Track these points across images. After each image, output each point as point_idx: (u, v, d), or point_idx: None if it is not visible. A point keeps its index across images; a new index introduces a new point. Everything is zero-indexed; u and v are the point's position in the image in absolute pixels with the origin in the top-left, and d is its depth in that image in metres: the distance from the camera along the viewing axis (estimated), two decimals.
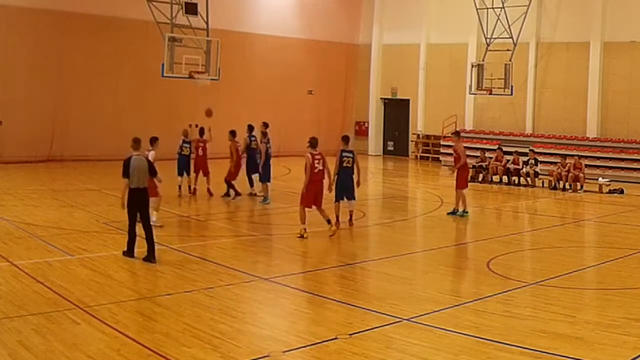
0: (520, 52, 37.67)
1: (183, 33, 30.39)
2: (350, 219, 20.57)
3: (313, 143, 18.84)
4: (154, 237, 15.91)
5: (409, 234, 21.22)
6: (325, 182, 19.18)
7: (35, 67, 34.05)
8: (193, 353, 10.05)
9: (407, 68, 45.35)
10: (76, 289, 13.18)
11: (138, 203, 15.59)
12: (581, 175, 30.79)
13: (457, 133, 24.56)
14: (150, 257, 15.57)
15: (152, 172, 16.07)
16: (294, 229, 18.92)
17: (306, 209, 18.56)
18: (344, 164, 20.04)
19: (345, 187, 20.22)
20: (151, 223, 16.43)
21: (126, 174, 15.47)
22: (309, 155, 18.71)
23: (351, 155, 20.15)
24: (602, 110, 37.33)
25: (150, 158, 17.18)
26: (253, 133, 26.22)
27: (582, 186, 30.70)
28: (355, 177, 20.42)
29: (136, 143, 16.12)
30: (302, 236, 18.43)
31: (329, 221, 18.91)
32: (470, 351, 10.38)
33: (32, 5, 33.36)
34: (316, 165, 18.38)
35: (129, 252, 15.88)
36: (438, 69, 44.04)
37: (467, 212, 23.05)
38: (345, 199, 20.30)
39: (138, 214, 15.74)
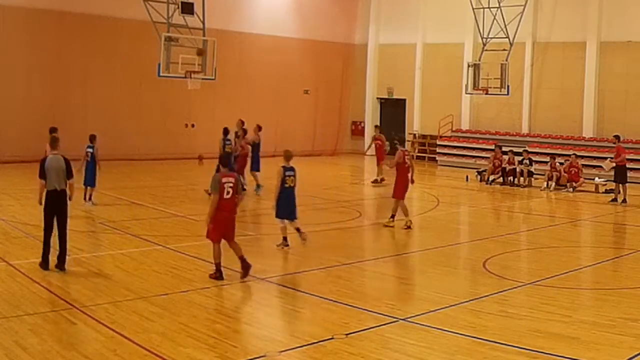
0: (517, 51, 37.68)
1: (179, 33, 30.39)
2: (300, 232, 17.93)
3: (223, 163, 15.50)
4: (67, 246, 14.82)
5: (405, 234, 21.20)
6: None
7: (32, 66, 34.02)
8: (189, 353, 10.05)
9: (403, 68, 45.34)
10: (72, 289, 13.19)
11: (55, 206, 14.47)
12: (576, 173, 30.85)
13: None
14: (60, 265, 14.51)
15: (69, 173, 14.76)
16: (289, 228, 18.88)
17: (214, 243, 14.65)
18: (287, 184, 17.50)
19: (290, 209, 17.77)
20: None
21: (42, 174, 14.45)
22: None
23: (293, 173, 17.66)
24: (598, 110, 37.37)
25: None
26: (228, 137, 26.25)
27: (574, 187, 30.67)
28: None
29: (54, 141, 15.00)
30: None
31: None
32: (467, 351, 10.39)
33: (29, 5, 33.32)
34: (227, 190, 14.26)
35: (44, 264, 14.58)
36: (434, 68, 44.04)
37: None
38: (288, 220, 17.82)
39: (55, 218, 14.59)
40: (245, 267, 14.35)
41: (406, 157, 20.94)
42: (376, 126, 35.87)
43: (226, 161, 15.49)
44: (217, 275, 14.22)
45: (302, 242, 17.57)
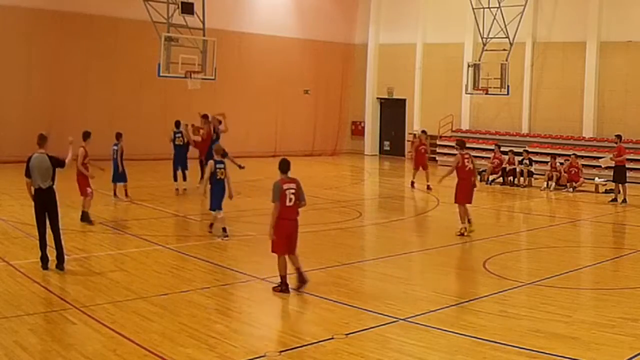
0: (517, 51, 37.66)
1: (179, 33, 30.38)
2: (211, 227, 19.28)
3: (283, 169, 13.92)
4: (63, 243, 14.91)
5: (405, 234, 21.22)
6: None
7: (31, 66, 34.03)
8: (189, 353, 10.05)
9: (403, 68, 45.33)
10: (73, 289, 13.20)
11: (43, 204, 14.50)
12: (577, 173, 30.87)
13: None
14: (59, 265, 14.60)
15: (59, 164, 14.68)
16: None
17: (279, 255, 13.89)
18: (218, 177, 18.27)
19: (220, 200, 18.56)
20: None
21: (27, 173, 14.49)
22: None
23: (223, 166, 18.45)
24: (598, 110, 37.37)
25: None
26: (180, 129, 26.83)
27: (574, 187, 30.67)
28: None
29: (41, 139, 14.80)
30: None
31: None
32: (467, 351, 10.39)
33: (29, 4, 33.31)
34: (289, 197, 13.57)
35: (42, 262, 14.64)
36: (434, 68, 44.03)
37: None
38: (217, 209, 18.64)
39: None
40: (302, 281, 13.57)
41: (466, 160, 20.07)
42: (423, 131, 33.04)
43: (285, 166, 13.78)
44: (283, 288, 13.42)
45: (222, 239, 18.52)
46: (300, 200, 13.62)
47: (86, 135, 20.49)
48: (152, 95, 37.06)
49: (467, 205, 20.22)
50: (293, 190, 13.43)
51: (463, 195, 20.21)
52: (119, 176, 23.90)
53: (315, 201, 25.48)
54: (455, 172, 20.27)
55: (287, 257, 13.57)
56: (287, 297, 13.41)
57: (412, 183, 30.41)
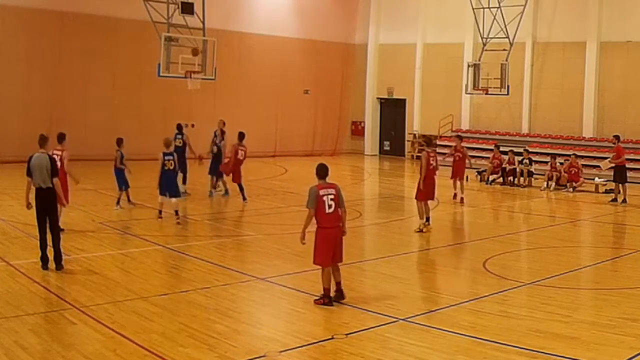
0: (517, 51, 37.66)
1: (179, 33, 30.38)
2: (177, 215, 20.99)
3: (320, 174, 13.10)
4: (61, 243, 14.99)
5: (405, 234, 21.21)
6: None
7: (31, 66, 34.03)
8: (189, 353, 10.06)
9: (403, 68, 45.30)
10: (72, 289, 13.19)
11: (42, 203, 14.55)
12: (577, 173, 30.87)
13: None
14: (57, 265, 14.62)
15: (54, 172, 14.70)
16: (290, 228, 18.91)
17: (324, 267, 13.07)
18: (166, 167, 20.68)
19: (169, 186, 20.86)
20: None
21: (29, 172, 14.63)
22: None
23: (172, 158, 20.86)
24: (598, 110, 37.36)
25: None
26: (182, 131, 26.80)
27: (574, 187, 30.68)
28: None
29: (42, 140, 14.95)
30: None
31: None
32: (467, 351, 10.40)
33: (29, 4, 33.32)
34: (328, 203, 12.82)
35: (42, 262, 14.69)
36: (434, 68, 44.01)
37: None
38: (168, 195, 20.87)
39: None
40: (341, 297, 12.84)
41: (431, 158, 20.79)
42: (458, 136, 30.41)
43: (323, 171, 13.02)
44: (326, 301, 12.69)
45: (175, 224, 20.52)
46: (340, 207, 12.89)
47: (61, 138, 18.66)
48: (152, 95, 37.03)
49: (429, 201, 20.99)
50: (332, 196, 12.70)
51: (426, 192, 20.66)
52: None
53: None
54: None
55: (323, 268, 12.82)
56: (287, 297, 13.42)
57: (455, 195, 27.12)
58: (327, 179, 12.97)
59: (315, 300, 12.84)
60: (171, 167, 20.80)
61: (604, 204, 27.48)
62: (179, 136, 26.30)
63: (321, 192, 12.65)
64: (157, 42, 29.71)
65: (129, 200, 23.23)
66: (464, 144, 28.52)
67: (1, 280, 13.62)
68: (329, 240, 12.70)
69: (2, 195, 23.96)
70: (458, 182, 27.08)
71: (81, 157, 34.35)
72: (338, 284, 12.90)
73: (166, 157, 20.75)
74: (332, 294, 12.81)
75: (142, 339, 10.53)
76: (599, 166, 31.40)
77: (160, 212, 21.05)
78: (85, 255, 16.13)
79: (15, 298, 12.43)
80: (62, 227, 17.04)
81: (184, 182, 25.94)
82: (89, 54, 35.44)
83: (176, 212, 20.90)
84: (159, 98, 37.23)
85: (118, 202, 22.60)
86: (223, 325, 11.40)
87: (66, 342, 10.36)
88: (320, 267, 12.82)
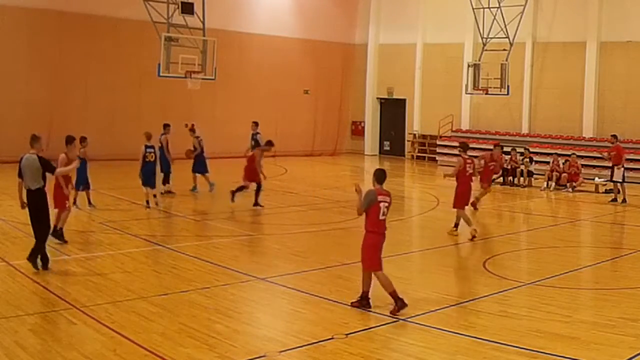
0: (517, 51, 37.69)
1: (179, 33, 30.39)
2: (147, 204, 22.85)
3: (379, 179, 12.79)
4: (46, 245, 14.88)
5: (405, 234, 21.21)
6: None
7: (31, 66, 34.03)
8: (189, 353, 10.06)
9: (403, 68, 45.34)
10: (72, 289, 13.19)
11: (31, 205, 14.60)
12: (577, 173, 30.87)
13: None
14: (43, 265, 14.59)
15: (48, 169, 14.77)
16: (290, 228, 18.93)
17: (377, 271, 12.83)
18: (147, 159, 22.75)
19: (148, 177, 22.77)
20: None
21: (19, 174, 14.79)
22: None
23: (153, 150, 22.99)
24: (598, 110, 37.38)
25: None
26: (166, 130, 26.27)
27: (574, 187, 30.69)
28: None
29: (32, 140, 14.88)
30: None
31: None
32: (467, 351, 10.40)
33: (29, 4, 33.31)
34: (383, 210, 12.55)
35: (42, 262, 14.68)
36: (434, 68, 44.04)
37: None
38: (148, 187, 22.79)
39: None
40: (401, 306, 12.24)
41: (468, 165, 20.31)
42: (499, 145, 28.70)
43: (382, 177, 12.72)
44: (364, 303, 12.52)
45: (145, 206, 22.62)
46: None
47: (69, 140, 17.95)
48: (152, 95, 37.04)
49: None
50: (387, 204, 12.50)
51: (463, 199, 20.32)
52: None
53: (315, 201, 25.54)
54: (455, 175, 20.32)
55: (375, 273, 12.55)
56: (287, 297, 13.42)
57: (474, 202, 24.33)
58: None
59: (353, 302, 12.63)
60: (152, 159, 22.83)
61: (604, 204, 27.48)
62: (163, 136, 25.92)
63: (379, 198, 12.41)
64: (157, 42, 29.75)
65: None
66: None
67: (1, 280, 13.62)
68: (378, 245, 12.55)
69: (2, 196, 23.96)
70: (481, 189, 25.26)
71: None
72: (392, 292, 12.37)
73: (147, 150, 22.83)
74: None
75: (142, 339, 10.53)
76: (599, 166, 31.40)
77: (147, 202, 22.81)
78: (85, 255, 16.14)
79: (15, 298, 12.43)
80: (65, 239, 17.13)
81: (166, 181, 25.79)
82: (89, 54, 35.45)
83: (147, 202, 22.79)
84: (158, 98, 37.23)
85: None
86: (223, 325, 11.40)
87: (66, 342, 10.36)
88: (370, 270, 12.57)
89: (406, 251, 18.42)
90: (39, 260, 14.58)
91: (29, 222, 14.78)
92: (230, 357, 9.97)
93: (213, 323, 11.50)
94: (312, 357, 10.17)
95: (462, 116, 43.02)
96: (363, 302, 12.56)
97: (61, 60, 34.80)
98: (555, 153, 33.67)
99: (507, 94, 37.45)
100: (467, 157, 20.46)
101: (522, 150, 33.78)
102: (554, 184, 31.17)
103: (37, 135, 15.08)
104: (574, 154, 32.55)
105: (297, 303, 13.06)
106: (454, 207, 20.29)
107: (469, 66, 38.70)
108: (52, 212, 15.70)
